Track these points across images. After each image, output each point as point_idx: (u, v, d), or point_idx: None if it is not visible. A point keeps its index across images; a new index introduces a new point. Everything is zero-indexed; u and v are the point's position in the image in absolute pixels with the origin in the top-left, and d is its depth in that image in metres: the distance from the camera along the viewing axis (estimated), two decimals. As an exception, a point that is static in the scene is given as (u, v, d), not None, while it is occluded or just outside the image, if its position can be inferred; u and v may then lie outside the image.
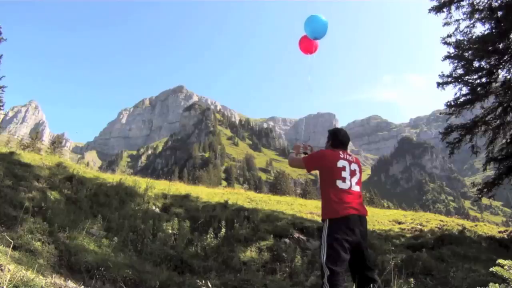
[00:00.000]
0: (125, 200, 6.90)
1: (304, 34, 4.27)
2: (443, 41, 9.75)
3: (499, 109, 9.28)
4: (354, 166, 2.71)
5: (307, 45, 4.24)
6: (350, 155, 2.80)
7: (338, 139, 2.86)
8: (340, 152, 2.74)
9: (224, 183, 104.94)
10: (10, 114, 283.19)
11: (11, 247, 2.71)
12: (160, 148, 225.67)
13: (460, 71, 9.45)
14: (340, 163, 2.66)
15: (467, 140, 9.69)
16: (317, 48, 4.31)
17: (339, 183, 2.59)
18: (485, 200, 11.24)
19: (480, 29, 27.82)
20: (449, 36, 9.63)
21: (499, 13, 8.67)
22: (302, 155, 3.07)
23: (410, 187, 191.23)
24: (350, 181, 2.63)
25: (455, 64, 9.52)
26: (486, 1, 8.98)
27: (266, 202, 11.82)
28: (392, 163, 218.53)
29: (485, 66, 9.07)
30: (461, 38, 9.56)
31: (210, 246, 5.41)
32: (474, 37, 9.33)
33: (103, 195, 6.67)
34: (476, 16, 9.24)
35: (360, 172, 2.76)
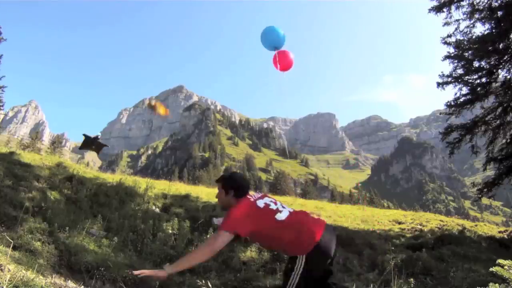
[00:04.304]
0: (125, 200, 6.90)
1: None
2: (443, 41, 9.75)
3: (499, 109, 9.29)
4: (268, 198, 2.37)
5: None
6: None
7: (240, 184, 2.35)
8: (247, 197, 2.31)
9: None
10: (10, 114, 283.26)
11: (11, 247, 2.71)
12: (160, 148, 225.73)
13: (460, 71, 9.46)
14: (260, 203, 2.26)
15: (467, 140, 9.69)
16: (284, 62, 4.42)
17: (279, 216, 2.18)
18: (485, 200, 11.26)
19: (480, 29, 27.83)
20: (449, 36, 9.63)
21: (499, 13, 8.67)
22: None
23: (410, 187, 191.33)
24: (283, 207, 2.28)
25: (455, 64, 9.53)
26: (486, 1, 8.99)
27: (266, 202, 11.81)
28: (392, 163, 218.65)
29: (485, 66, 9.07)
30: (461, 38, 9.56)
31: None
32: (474, 37, 9.34)
33: (103, 195, 6.67)
34: (476, 16, 9.24)
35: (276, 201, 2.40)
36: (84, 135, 6.38)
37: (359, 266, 5.30)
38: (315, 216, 2.28)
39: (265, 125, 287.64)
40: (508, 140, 9.37)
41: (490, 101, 9.54)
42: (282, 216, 2.18)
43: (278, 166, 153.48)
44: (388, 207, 44.16)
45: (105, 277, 3.26)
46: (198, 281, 2.63)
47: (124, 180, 8.31)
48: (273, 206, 2.24)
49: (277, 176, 73.73)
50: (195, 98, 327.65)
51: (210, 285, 2.16)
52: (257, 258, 5.30)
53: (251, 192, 2.41)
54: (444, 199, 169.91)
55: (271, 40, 4.34)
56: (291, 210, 2.26)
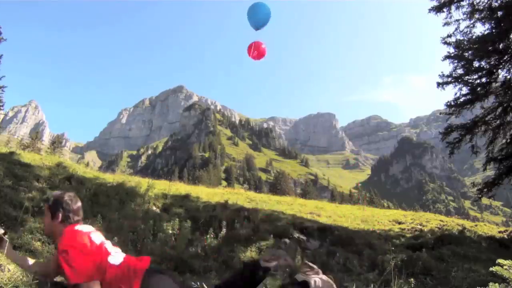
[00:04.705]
0: (125, 200, 6.89)
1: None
2: (443, 41, 9.75)
3: (499, 109, 9.29)
4: (101, 236, 1.98)
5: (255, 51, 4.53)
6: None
7: (70, 207, 1.92)
8: (77, 226, 1.88)
9: (224, 183, 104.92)
10: (10, 114, 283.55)
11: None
12: (160, 148, 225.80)
13: (460, 71, 9.46)
14: (95, 237, 1.86)
15: (467, 140, 9.69)
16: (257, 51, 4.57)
17: (113, 259, 1.82)
18: (485, 200, 11.29)
19: (480, 29, 27.88)
20: (449, 36, 9.64)
21: (499, 13, 8.68)
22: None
23: (410, 187, 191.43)
24: (116, 252, 1.91)
25: (455, 64, 9.53)
26: (486, 1, 8.99)
27: (266, 202, 11.82)
28: (392, 163, 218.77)
29: (485, 66, 9.07)
30: (461, 38, 9.57)
31: (211, 246, 5.41)
32: (474, 37, 9.34)
33: (103, 195, 6.66)
34: (476, 16, 9.24)
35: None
36: None
37: (359, 266, 5.30)
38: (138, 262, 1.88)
39: (265, 125, 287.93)
40: (508, 140, 9.36)
41: (490, 101, 9.54)
42: (116, 260, 1.81)
43: (278, 166, 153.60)
44: (388, 207, 44.15)
45: (105, 277, 3.25)
46: (194, 282, 2.62)
47: (126, 180, 8.33)
48: (108, 246, 1.87)
49: (277, 176, 73.84)
50: (195, 98, 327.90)
51: (205, 286, 2.15)
52: (257, 258, 5.31)
53: (83, 224, 1.97)
54: (444, 199, 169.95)
55: (258, 18, 4.53)
56: (122, 259, 1.87)
